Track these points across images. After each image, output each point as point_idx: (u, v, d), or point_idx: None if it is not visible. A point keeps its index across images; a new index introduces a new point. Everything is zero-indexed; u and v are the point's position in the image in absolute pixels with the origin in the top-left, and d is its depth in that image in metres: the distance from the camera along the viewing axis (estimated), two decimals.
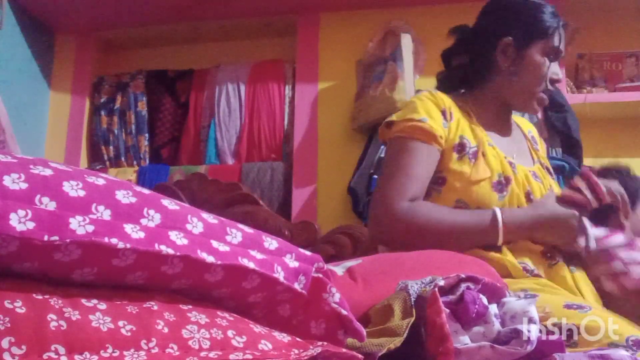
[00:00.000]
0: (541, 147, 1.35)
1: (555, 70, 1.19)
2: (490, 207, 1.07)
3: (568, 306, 0.85)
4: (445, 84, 1.29)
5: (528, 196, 1.13)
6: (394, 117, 1.17)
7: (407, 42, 2.11)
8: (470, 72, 1.25)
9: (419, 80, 2.14)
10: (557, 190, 1.19)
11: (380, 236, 1.13)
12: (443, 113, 1.15)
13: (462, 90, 1.28)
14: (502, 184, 1.10)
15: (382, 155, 1.91)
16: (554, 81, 1.19)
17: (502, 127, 1.24)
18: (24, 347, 0.39)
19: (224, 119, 2.32)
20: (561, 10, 2.21)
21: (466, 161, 1.11)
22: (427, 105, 1.15)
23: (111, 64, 2.60)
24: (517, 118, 1.34)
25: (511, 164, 1.14)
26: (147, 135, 2.37)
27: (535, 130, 1.37)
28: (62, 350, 0.41)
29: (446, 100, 1.17)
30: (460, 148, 1.13)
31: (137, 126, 2.37)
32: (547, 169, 1.25)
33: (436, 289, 0.64)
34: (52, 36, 2.53)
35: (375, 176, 1.99)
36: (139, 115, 2.38)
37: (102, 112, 2.43)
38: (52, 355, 0.40)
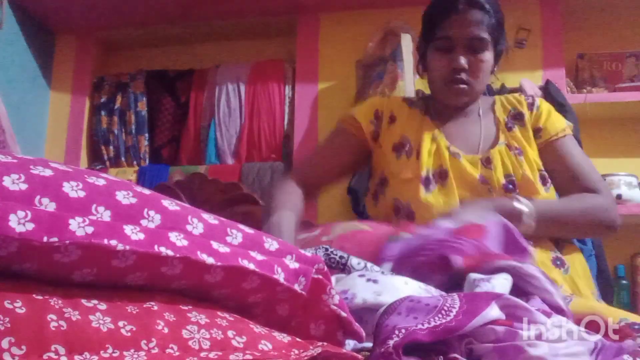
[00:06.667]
0: (533, 119, 1.24)
1: (458, 60, 1.16)
2: (420, 201, 1.12)
3: None
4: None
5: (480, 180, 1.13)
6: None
7: (407, 42, 2.10)
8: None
9: (419, 80, 2.13)
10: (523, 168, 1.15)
11: None
12: (376, 113, 1.27)
13: None
14: (430, 180, 1.14)
15: None
16: (457, 70, 1.16)
17: (452, 115, 1.24)
18: (24, 347, 0.39)
19: (224, 119, 2.32)
20: (561, 10, 2.25)
21: (403, 160, 1.18)
22: (364, 105, 1.32)
23: (111, 64, 2.61)
24: (510, 96, 1.28)
25: (455, 154, 1.16)
26: (147, 135, 2.37)
27: (525, 102, 1.26)
28: (62, 350, 0.41)
29: (388, 105, 1.28)
30: (400, 147, 1.21)
31: (137, 126, 2.37)
32: (517, 149, 1.17)
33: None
34: (52, 36, 2.53)
35: None
36: (139, 115, 2.38)
37: (102, 112, 2.43)
38: (52, 355, 0.40)
